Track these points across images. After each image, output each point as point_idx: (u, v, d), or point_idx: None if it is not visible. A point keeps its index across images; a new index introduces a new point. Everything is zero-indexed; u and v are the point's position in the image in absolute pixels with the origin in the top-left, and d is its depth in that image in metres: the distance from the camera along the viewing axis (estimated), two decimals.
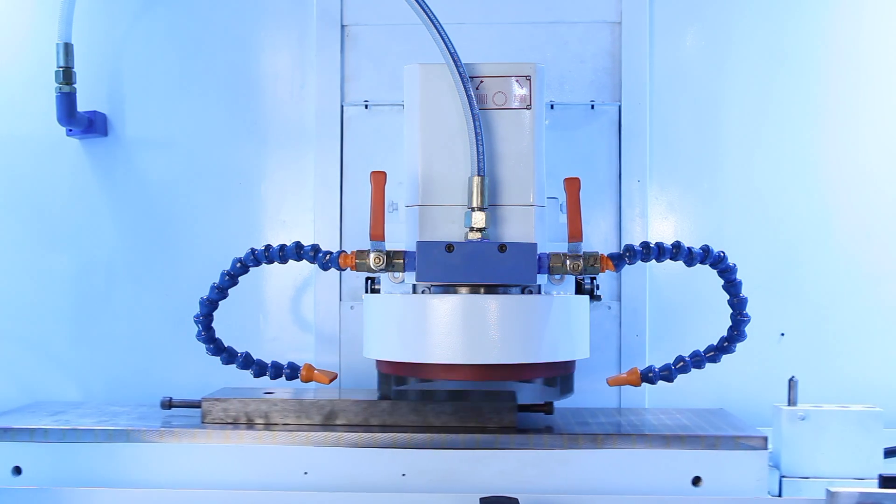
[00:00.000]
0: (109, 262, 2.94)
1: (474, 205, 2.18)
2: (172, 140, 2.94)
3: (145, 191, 2.94)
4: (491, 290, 2.22)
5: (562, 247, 2.24)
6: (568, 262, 2.21)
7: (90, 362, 2.94)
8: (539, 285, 2.29)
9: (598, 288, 2.42)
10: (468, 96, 2.19)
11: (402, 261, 2.21)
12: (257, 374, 2.44)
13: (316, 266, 2.33)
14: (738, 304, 2.32)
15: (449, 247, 2.13)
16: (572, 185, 2.24)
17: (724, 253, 2.29)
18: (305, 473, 2.32)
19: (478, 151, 2.18)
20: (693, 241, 2.47)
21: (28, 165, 2.96)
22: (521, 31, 2.87)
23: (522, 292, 2.27)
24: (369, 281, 2.42)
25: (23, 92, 2.95)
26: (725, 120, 2.88)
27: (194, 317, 2.39)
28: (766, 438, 2.31)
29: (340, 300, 2.88)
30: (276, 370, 2.43)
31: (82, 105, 2.87)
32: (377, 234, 2.22)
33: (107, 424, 2.41)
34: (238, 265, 2.37)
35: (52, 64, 2.79)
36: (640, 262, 2.28)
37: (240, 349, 2.44)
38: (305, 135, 2.90)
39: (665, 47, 2.87)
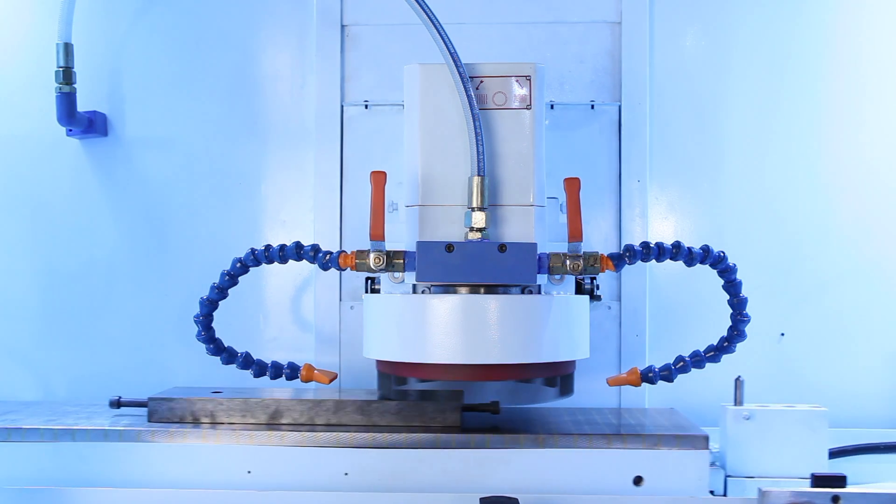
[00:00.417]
0: (109, 262, 2.94)
1: (474, 205, 2.18)
2: (172, 140, 2.94)
3: (145, 191, 2.94)
4: (491, 290, 2.22)
5: (562, 247, 2.24)
6: (568, 262, 2.21)
7: (90, 362, 2.94)
8: (539, 285, 2.28)
9: (598, 288, 2.41)
10: (468, 96, 2.19)
11: (402, 261, 2.21)
12: (257, 374, 2.43)
13: (316, 266, 2.33)
14: (738, 304, 2.32)
15: (449, 247, 2.13)
16: (572, 185, 2.23)
17: (724, 253, 2.29)
18: (249, 472, 2.31)
19: (478, 151, 2.18)
20: (693, 241, 2.47)
21: (28, 165, 2.96)
22: (521, 31, 2.87)
23: (522, 292, 2.27)
24: (369, 281, 2.42)
25: (23, 92, 2.95)
26: (726, 120, 2.87)
27: (194, 317, 2.39)
28: (706, 438, 2.29)
29: (340, 300, 2.88)
30: (276, 370, 2.43)
31: (82, 105, 2.87)
32: (377, 234, 2.22)
33: (54, 424, 2.39)
34: (238, 265, 2.37)
35: (51, 64, 2.80)
36: (640, 262, 2.28)
37: (240, 349, 2.44)
38: (305, 135, 2.90)
39: (665, 47, 2.87)
